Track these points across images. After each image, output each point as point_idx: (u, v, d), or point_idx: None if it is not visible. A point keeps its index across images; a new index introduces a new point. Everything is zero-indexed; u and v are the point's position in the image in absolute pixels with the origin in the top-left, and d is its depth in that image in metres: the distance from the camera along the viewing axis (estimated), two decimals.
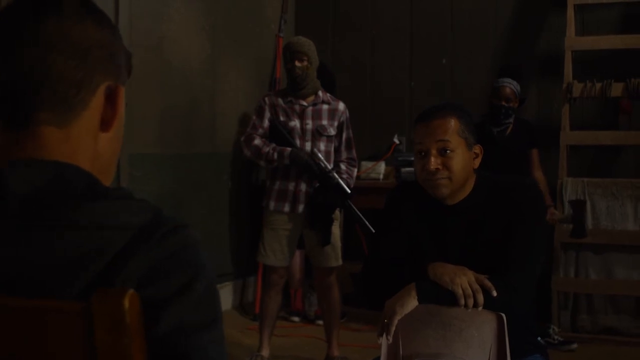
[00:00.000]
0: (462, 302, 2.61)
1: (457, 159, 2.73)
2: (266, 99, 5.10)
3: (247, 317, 6.40)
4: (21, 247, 1.07)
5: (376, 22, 7.13)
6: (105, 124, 1.25)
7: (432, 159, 2.73)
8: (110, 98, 1.25)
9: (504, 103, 5.67)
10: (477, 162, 2.82)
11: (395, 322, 2.65)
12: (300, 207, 4.95)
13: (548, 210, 5.60)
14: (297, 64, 5.01)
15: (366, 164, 6.65)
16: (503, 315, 2.65)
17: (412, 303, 2.65)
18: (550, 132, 6.04)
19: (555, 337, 5.65)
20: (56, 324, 1.00)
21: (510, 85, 5.71)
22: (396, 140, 6.79)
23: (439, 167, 2.72)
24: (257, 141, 4.97)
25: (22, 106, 1.18)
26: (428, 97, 6.85)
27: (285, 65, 5.13)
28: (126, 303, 0.97)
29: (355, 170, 5.21)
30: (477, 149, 2.82)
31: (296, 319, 6.37)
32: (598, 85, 5.86)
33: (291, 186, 4.97)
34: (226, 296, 6.56)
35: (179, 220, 1.16)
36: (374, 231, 5.12)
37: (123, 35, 5.51)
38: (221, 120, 6.44)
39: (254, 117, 5.07)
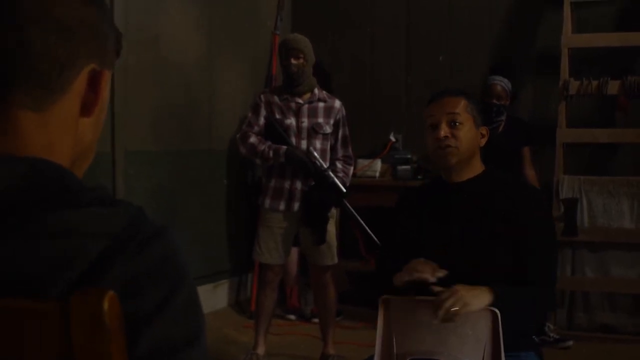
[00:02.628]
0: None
1: (464, 131, 2.94)
2: (262, 96, 5.09)
3: (243, 315, 6.39)
4: None
5: (373, 20, 7.12)
6: (86, 109, 1.17)
7: (442, 128, 2.92)
8: (93, 82, 1.17)
9: (495, 101, 5.69)
10: (483, 141, 3.04)
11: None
12: (296, 206, 4.94)
13: None
14: (293, 61, 4.99)
15: (362, 162, 6.65)
16: (497, 312, 2.65)
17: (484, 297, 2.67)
18: (546, 130, 6.03)
19: (551, 334, 5.64)
20: (31, 324, 0.97)
21: (501, 83, 5.72)
22: (392, 138, 6.78)
23: (448, 135, 2.92)
24: (253, 139, 4.95)
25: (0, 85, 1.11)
26: (425, 95, 6.84)
27: (281, 62, 5.12)
28: (105, 304, 0.94)
29: (352, 168, 5.20)
30: (484, 130, 3.04)
31: (292, 317, 6.37)
32: (594, 82, 5.85)
33: (287, 184, 4.96)
34: (222, 294, 6.55)
35: (157, 225, 1.08)
36: (368, 230, 5.14)
37: None
38: (217, 118, 6.43)
39: (250, 115, 5.06)
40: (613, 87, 5.81)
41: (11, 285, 1.00)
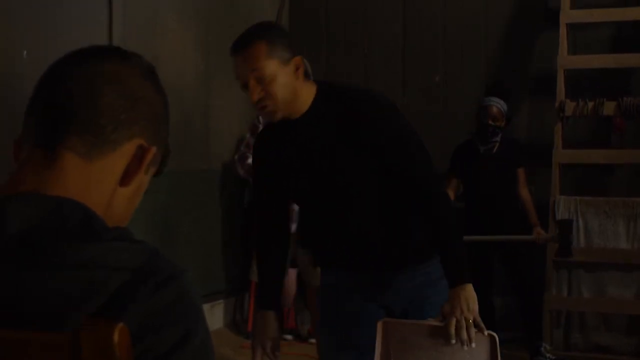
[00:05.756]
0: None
1: (276, 83, 2.68)
2: (260, 117, 5.10)
3: (241, 335, 6.38)
4: (14, 288, 1.05)
5: (369, 39, 7.15)
6: (126, 176, 1.23)
7: (252, 90, 2.69)
8: (140, 154, 1.24)
9: (490, 122, 5.70)
10: (300, 72, 2.75)
11: None
12: (293, 227, 4.94)
13: (534, 229, 5.67)
14: None
15: None
16: (495, 336, 2.66)
17: None
18: (542, 151, 6.06)
19: (548, 355, 5.64)
20: (42, 356, 0.98)
21: (497, 105, 5.74)
22: None
23: (261, 95, 2.69)
24: (251, 160, 4.96)
25: (57, 126, 1.18)
26: (420, 114, 6.87)
27: None
28: (115, 336, 0.95)
29: None
30: (297, 60, 2.74)
31: (289, 337, 6.36)
32: (590, 103, 5.88)
33: None
34: (219, 314, 6.54)
35: (175, 267, 1.12)
36: None
37: None
38: (214, 137, 6.44)
39: (249, 136, 5.09)
40: (609, 108, 5.84)
41: (31, 318, 1.03)
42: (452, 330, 2.64)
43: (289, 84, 2.71)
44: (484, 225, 5.67)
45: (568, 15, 6.06)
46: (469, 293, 2.70)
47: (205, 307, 6.21)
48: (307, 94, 2.80)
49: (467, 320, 2.65)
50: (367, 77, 7.15)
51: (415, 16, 6.99)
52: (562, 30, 6.03)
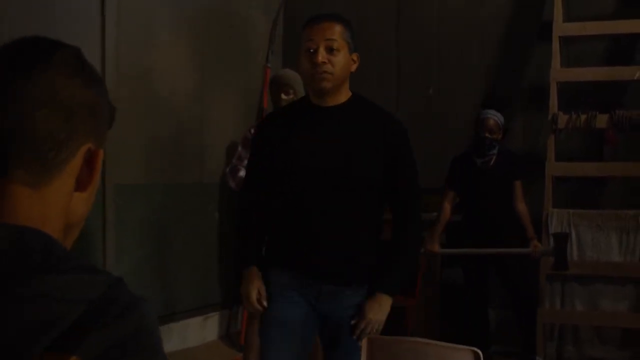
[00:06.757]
0: None
1: (340, 58, 3.13)
2: (252, 130, 5.11)
3: (234, 347, 6.39)
4: None
5: (362, 52, 7.13)
6: (81, 185, 1.22)
7: (321, 53, 3.09)
8: (89, 161, 1.22)
9: (487, 135, 5.71)
10: (354, 67, 3.26)
11: None
12: None
13: (531, 242, 5.64)
14: (283, 96, 5.03)
15: None
16: (479, 352, 2.67)
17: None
18: (535, 163, 6.06)
19: None
20: None
21: (494, 117, 5.75)
22: None
23: (326, 60, 3.09)
24: (243, 173, 4.98)
25: None
26: (414, 127, 6.88)
27: (272, 97, 5.15)
28: None
29: None
30: (355, 57, 3.26)
31: None
32: (583, 116, 5.89)
33: None
34: (213, 326, 6.54)
35: (134, 296, 1.11)
36: None
37: (110, 65, 5.43)
38: (208, 150, 6.45)
39: (240, 149, 5.09)
40: (601, 121, 5.85)
41: None
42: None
43: (346, 67, 3.17)
44: (480, 238, 5.68)
45: (561, 28, 6.08)
46: (386, 305, 3.04)
47: (199, 319, 6.22)
48: (346, 90, 3.24)
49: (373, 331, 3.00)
50: (360, 88, 7.14)
51: (409, 28, 7.01)
52: (555, 43, 6.04)
